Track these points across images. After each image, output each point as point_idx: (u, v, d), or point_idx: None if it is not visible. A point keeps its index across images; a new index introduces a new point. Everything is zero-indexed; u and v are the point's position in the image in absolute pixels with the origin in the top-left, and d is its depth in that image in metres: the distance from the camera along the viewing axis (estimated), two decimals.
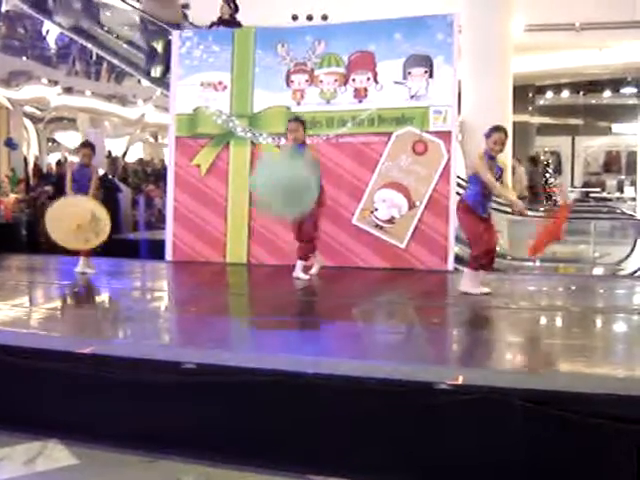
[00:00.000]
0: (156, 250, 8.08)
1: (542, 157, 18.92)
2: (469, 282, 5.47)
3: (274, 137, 7.44)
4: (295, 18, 14.76)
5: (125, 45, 12.13)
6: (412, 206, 7.02)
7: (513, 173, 16.53)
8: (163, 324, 5.01)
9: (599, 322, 4.89)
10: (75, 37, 11.76)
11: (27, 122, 12.48)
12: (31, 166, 12.55)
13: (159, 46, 10.98)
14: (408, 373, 3.28)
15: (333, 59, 7.40)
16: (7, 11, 12.52)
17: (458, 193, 8.15)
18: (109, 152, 13.01)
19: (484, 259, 5.37)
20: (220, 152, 7.63)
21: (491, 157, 5.31)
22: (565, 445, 2.99)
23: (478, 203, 5.35)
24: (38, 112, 12.49)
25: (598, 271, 9.40)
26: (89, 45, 11.85)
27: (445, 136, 6.99)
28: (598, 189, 22.41)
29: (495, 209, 10.37)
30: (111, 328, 4.81)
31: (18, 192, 11.18)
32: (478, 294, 5.37)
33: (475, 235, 5.42)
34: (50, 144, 12.94)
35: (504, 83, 11.63)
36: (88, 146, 6.89)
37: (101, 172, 12.48)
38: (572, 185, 23.19)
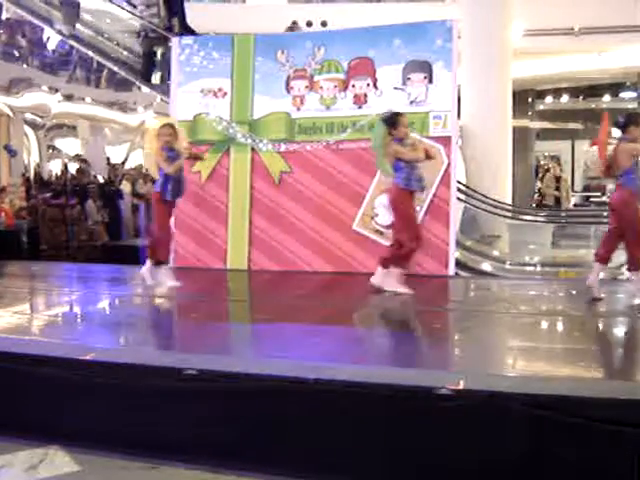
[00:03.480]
0: None
1: (543, 162, 18.93)
2: None
3: (274, 143, 7.45)
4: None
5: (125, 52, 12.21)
6: None
7: (558, 180, 16.56)
8: (164, 330, 5.01)
9: (599, 326, 4.90)
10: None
11: (28, 129, 12.49)
12: (32, 173, 12.56)
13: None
14: (409, 378, 3.29)
15: (333, 65, 7.42)
16: (7, 18, 12.55)
17: (459, 198, 8.16)
18: (108, 159, 13.04)
19: None
20: (220, 158, 7.64)
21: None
22: (566, 450, 2.99)
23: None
24: (39, 119, 12.50)
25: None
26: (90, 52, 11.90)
27: (445, 141, 7.00)
28: (598, 193, 22.41)
29: (494, 213, 10.47)
30: (112, 335, 4.81)
31: (20, 199, 11.21)
32: None
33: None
34: (50, 151, 12.95)
35: (504, 88, 11.66)
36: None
37: (101, 179, 12.56)
38: (572, 189, 23.20)
